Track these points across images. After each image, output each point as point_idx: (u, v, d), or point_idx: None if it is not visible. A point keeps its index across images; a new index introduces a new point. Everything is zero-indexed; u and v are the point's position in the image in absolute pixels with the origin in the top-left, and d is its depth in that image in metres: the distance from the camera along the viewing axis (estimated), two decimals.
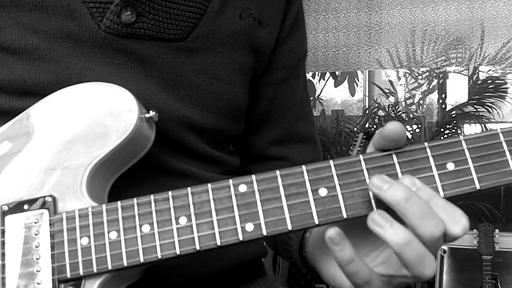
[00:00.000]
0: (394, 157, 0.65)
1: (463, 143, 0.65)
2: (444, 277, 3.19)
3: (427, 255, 0.61)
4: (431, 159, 0.65)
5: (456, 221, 0.62)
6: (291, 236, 0.87)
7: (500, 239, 2.95)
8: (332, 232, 0.63)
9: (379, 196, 0.62)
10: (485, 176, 0.64)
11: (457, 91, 5.57)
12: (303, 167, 0.66)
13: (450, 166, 0.64)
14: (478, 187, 0.63)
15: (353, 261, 0.63)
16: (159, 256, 0.67)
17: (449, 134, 4.63)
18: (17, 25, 0.82)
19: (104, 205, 0.70)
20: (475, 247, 2.95)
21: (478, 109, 4.98)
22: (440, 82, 5.35)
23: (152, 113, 0.78)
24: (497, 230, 2.96)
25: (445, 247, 3.17)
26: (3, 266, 0.70)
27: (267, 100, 1.03)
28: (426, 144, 0.65)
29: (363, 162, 0.65)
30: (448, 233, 0.62)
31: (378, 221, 0.62)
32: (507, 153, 0.64)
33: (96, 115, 0.75)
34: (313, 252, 0.80)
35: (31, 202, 0.72)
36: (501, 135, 0.64)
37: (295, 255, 0.86)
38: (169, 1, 0.87)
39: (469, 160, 0.64)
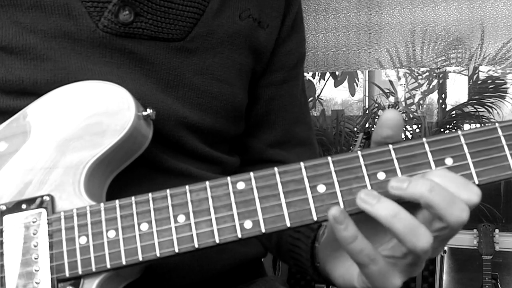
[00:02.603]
0: (392, 152, 0.65)
1: (462, 138, 0.64)
2: (444, 277, 3.18)
3: (419, 226, 0.61)
4: (429, 154, 0.64)
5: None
6: (300, 245, 0.87)
7: (500, 239, 2.95)
8: (335, 211, 0.62)
9: (402, 196, 0.62)
10: (484, 171, 0.63)
11: (457, 91, 5.58)
12: (301, 164, 0.66)
13: (449, 162, 0.64)
14: (477, 182, 0.63)
15: (357, 239, 0.63)
16: (158, 255, 0.67)
17: None
18: (15, 24, 0.82)
19: (102, 204, 0.70)
20: (475, 247, 2.95)
21: (478, 109, 4.99)
22: (440, 82, 5.36)
23: (149, 111, 0.78)
24: (497, 230, 2.96)
25: (445, 247, 3.16)
26: (2, 266, 0.70)
27: (266, 101, 1.03)
28: (424, 139, 0.65)
29: (361, 158, 0.65)
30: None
31: (366, 199, 0.62)
32: (506, 147, 0.64)
33: (93, 113, 0.75)
34: (323, 258, 0.79)
35: (29, 201, 0.72)
36: (499, 130, 0.64)
37: (306, 264, 0.85)
38: (167, 1, 0.86)
39: (468, 155, 0.64)
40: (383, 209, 0.61)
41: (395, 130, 0.65)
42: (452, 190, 0.61)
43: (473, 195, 0.62)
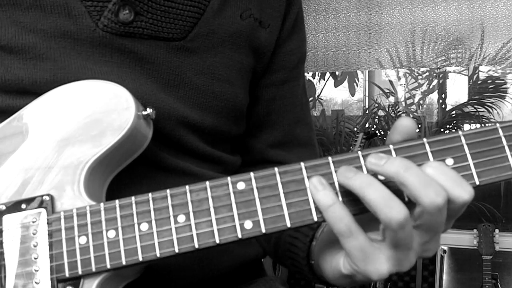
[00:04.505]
0: (393, 153, 0.65)
1: (462, 138, 0.64)
2: (444, 277, 3.18)
3: (391, 196, 0.61)
4: (430, 155, 0.64)
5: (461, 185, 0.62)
6: (297, 244, 0.86)
7: (500, 239, 2.95)
8: (315, 179, 0.64)
9: (379, 172, 0.63)
10: (485, 171, 0.64)
11: (457, 91, 5.59)
12: (302, 164, 0.66)
13: (449, 162, 0.64)
14: (477, 183, 0.63)
15: (335, 204, 0.63)
16: (158, 255, 0.67)
17: None
18: (14, 24, 0.82)
19: (102, 204, 0.70)
20: (475, 247, 2.95)
21: (478, 109, 5.00)
22: (440, 82, 5.36)
23: (149, 111, 0.78)
24: (497, 230, 2.95)
25: (445, 247, 3.16)
26: (2, 266, 0.70)
27: (266, 102, 1.03)
28: (425, 140, 0.65)
29: (361, 159, 0.65)
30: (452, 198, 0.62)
31: (344, 173, 0.64)
32: (507, 148, 0.64)
33: (93, 112, 0.75)
34: (318, 255, 0.79)
35: (28, 201, 0.72)
36: (500, 130, 0.64)
37: (302, 263, 0.85)
38: (167, 0, 0.86)
39: (469, 156, 0.64)
40: (358, 179, 0.63)
41: (406, 138, 0.66)
42: (444, 183, 0.61)
43: (465, 193, 0.62)
